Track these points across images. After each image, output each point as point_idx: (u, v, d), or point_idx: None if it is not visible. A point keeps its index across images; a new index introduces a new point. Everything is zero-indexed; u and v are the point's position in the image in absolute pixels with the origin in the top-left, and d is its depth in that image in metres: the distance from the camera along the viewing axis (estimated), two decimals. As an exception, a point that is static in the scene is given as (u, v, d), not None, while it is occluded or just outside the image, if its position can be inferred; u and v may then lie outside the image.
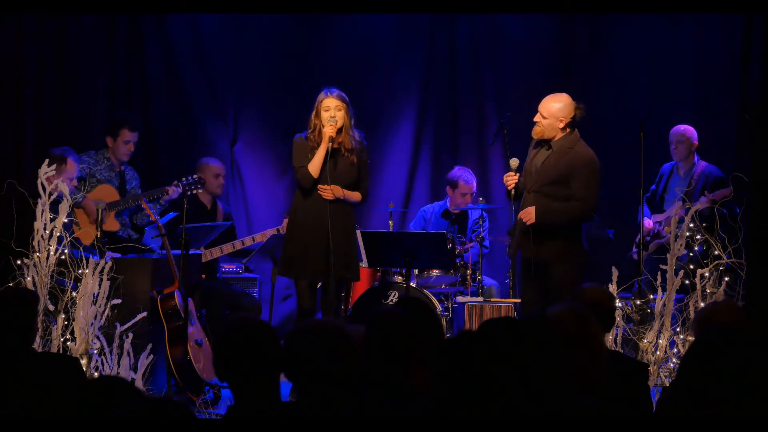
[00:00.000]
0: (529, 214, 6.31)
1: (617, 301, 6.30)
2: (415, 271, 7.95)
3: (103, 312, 6.15)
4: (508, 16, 9.18)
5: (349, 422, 2.86)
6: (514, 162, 6.51)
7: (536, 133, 6.45)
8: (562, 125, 6.38)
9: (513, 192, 6.48)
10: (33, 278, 6.07)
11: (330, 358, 3.02)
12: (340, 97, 6.65)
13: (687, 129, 8.30)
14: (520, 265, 6.54)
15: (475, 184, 8.73)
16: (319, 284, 6.87)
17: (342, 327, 3.10)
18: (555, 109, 6.37)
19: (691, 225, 6.60)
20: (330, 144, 6.58)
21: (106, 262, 6.16)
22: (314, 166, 6.62)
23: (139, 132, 7.76)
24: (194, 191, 7.46)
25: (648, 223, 8.23)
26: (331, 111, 6.61)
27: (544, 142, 6.45)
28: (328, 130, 6.58)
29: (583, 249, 6.45)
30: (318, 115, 6.66)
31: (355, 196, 6.76)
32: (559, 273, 6.31)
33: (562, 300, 6.16)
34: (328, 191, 6.62)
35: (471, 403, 2.57)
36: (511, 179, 6.47)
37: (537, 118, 6.43)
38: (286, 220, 7.17)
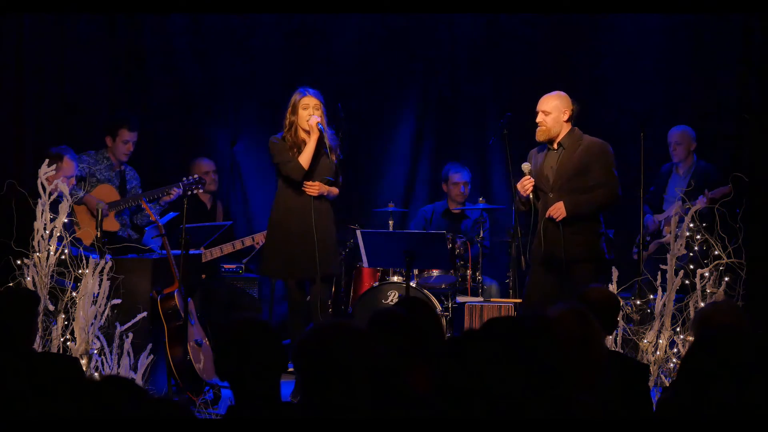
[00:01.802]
0: (558, 210, 6.30)
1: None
2: (415, 271, 7.95)
3: (103, 312, 6.15)
4: (508, 15, 9.17)
5: (350, 422, 2.86)
6: (527, 166, 6.45)
7: (542, 133, 6.42)
8: (566, 117, 6.40)
9: (531, 197, 6.44)
10: (33, 278, 6.07)
11: (347, 359, 2.97)
12: (317, 95, 6.75)
13: (685, 130, 8.30)
14: (538, 263, 6.48)
15: (466, 175, 8.73)
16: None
17: (360, 329, 3.06)
18: (557, 103, 6.42)
19: (691, 225, 6.60)
20: (322, 131, 6.63)
21: (106, 262, 6.16)
22: (305, 158, 6.70)
23: (139, 132, 7.75)
24: (194, 191, 7.46)
25: (652, 220, 8.24)
26: (310, 109, 6.70)
27: (548, 145, 6.45)
28: (315, 119, 6.64)
29: (603, 248, 6.47)
30: (295, 112, 6.75)
31: (334, 191, 6.85)
32: (584, 272, 6.32)
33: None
34: (314, 187, 6.69)
35: (472, 403, 2.56)
36: (528, 183, 6.42)
37: (540, 118, 6.43)
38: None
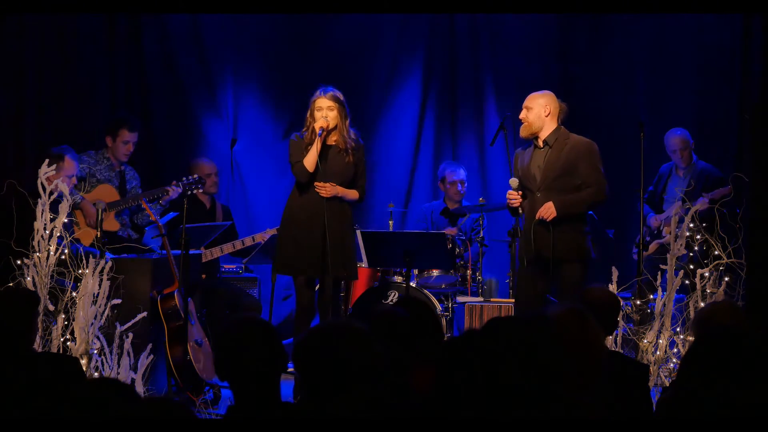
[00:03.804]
0: (549, 210, 6.29)
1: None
2: (415, 271, 7.95)
3: (103, 312, 6.14)
4: (508, 16, 9.18)
5: (350, 422, 2.86)
6: (514, 182, 6.48)
7: (525, 129, 6.47)
8: (547, 113, 6.42)
9: (520, 210, 6.50)
10: (33, 278, 6.07)
11: (349, 359, 2.95)
12: (333, 97, 6.67)
13: (683, 134, 8.26)
14: (527, 263, 6.49)
15: (462, 174, 8.72)
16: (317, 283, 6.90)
17: (361, 329, 3.05)
18: (540, 100, 6.45)
19: (691, 225, 6.60)
20: (320, 136, 6.59)
21: (106, 262, 6.16)
22: (309, 161, 6.65)
23: (139, 132, 7.75)
24: (194, 191, 7.46)
25: (653, 220, 8.24)
26: (323, 111, 6.65)
27: (534, 143, 6.46)
28: (318, 124, 6.61)
29: (590, 247, 6.49)
30: (312, 114, 6.70)
31: (353, 194, 6.78)
32: (572, 271, 6.34)
33: (570, 298, 6.19)
34: (325, 188, 6.65)
35: (473, 402, 2.56)
36: (514, 198, 6.47)
37: (522, 114, 6.48)
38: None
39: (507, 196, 6.53)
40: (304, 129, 6.76)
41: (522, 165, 6.52)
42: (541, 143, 6.45)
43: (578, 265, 6.38)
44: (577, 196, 6.38)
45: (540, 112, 6.43)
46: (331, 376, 2.90)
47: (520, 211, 6.52)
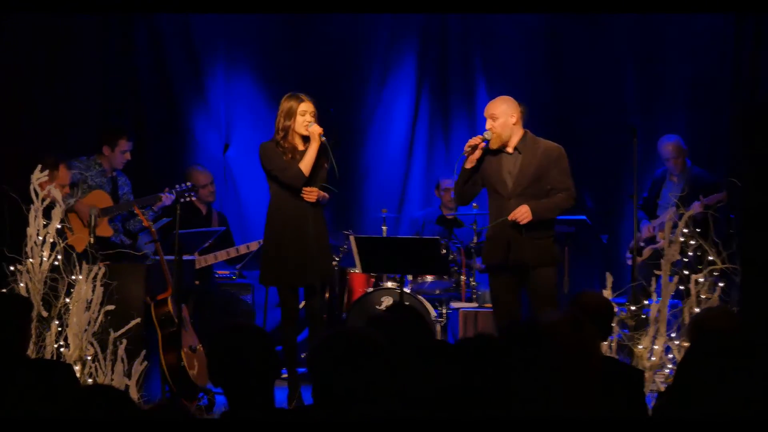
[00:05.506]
0: (523, 214, 6.28)
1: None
2: (409, 277, 7.94)
3: (97, 318, 6.13)
4: (500, 16, 9.16)
5: (348, 424, 2.85)
6: (489, 134, 6.38)
7: (495, 141, 6.38)
8: (514, 120, 6.39)
9: (468, 165, 6.36)
10: (26, 284, 6.05)
11: (369, 367, 2.92)
12: (314, 103, 6.68)
13: (676, 142, 8.26)
14: (500, 269, 6.48)
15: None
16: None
17: (375, 335, 3.02)
18: (504, 107, 6.41)
19: (686, 230, 6.60)
20: (321, 140, 6.59)
21: (99, 268, 6.15)
22: (306, 165, 6.61)
23: (134, 141, 7.74)
24: (187, 198, 7.42)
25: (645, 230, 8.23)
26: (307, 116, 6.63)
27: (500, 150, 6.42)
28: (317, 129, 6.60)
29: (558, 251, 6.52)
30: (290, 117, 6.63)
31: (326, 196, 6.79)
32: (545, 275, 6.36)
33: (545, 302, 6.21)
34: (313, 193, 6.63)
35: (472, 404, 2.56)
36: (474, 142, 6.34)
37: (488, 124, 6.40)
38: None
39: (468, 143, 6.38)
40: (280, 135, 6.68)
41: (490, 169, 6.48)
42: (511, 149, 6.43)
43: (551, 270, 6.41)
44: (551, 202, 6.37)
45: (507, 120, 6.39)
46: (347, 383, 2.87)
47: (468, 166, 6.39)
